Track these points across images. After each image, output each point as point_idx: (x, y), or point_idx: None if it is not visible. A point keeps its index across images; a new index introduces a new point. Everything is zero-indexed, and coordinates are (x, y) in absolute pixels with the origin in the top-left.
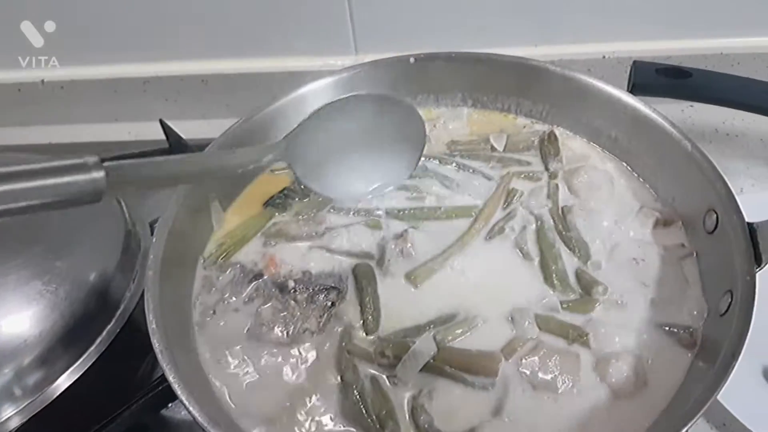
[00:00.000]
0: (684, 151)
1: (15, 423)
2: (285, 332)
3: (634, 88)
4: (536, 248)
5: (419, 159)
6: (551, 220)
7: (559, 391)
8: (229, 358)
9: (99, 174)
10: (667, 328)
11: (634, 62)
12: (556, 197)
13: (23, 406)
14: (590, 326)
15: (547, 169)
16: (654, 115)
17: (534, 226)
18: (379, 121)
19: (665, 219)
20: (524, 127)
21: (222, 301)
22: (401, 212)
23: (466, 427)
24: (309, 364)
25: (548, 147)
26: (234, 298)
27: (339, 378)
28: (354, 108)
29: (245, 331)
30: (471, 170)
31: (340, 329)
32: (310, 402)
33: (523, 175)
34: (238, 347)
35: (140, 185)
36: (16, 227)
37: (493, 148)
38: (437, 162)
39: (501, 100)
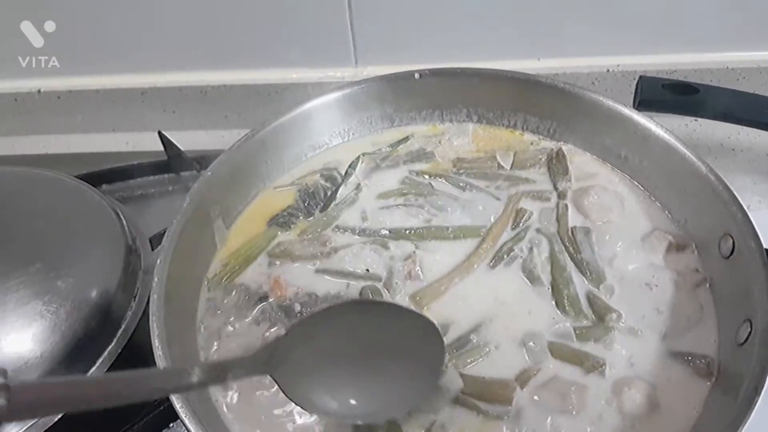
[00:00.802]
0: (698, 172)
1: None
2: None
3: (640, 104)
4: (546, 271)
5: (433, 389)
6: (560, 242)
7: (574, 417)
8: (234, 386)
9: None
10: (682, 357)
11: (641, 77)
12: (565, 218)
13: (24, 429)
14: (604, 354)
15: (555, 188)
16: (666, 135)
17: (544, 248)
18: (390, 334)
19: (678, 243)
20: (531, 143)
21: (227, 324)
22: (408, 231)
23: None
24: None
25: (556, 165)
26: (239, 323)
27: None
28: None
29: None
30: (478, 189)
31: None
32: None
33: (531, 195)
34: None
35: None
36: (14, 244)
37: (500, 166)
38: (443, 180)
39: (507, 116)
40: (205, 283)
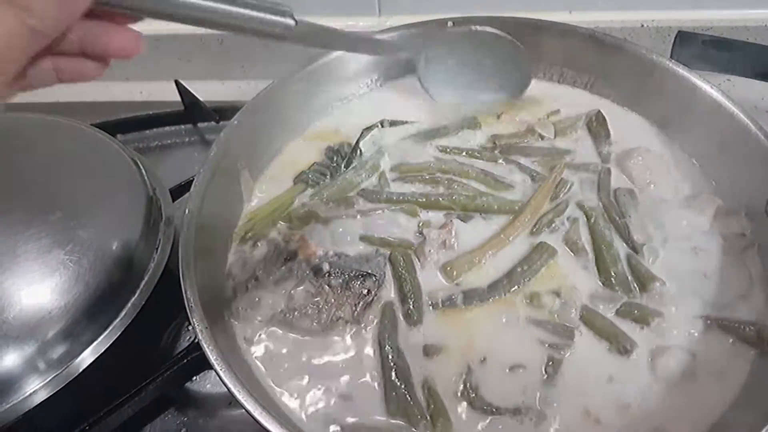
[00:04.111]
0: (746, 131)
1: (41, 397)
2: (317, 320)
3: (678, 60)
4: (588, 242)
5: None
6: (603, 209)
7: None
8: (261, 338)
9: (290, 21)
10: (728, 324)
11: (680, 32)
12: (608, 182)
13: (49, 379)
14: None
15: (599, 153)
16: (715, 92)
17: (586, 219)
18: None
19: (727, 208)
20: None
21: (253, 278)
22: (438, 199)
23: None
24: (346, 356)
25: (597, 129)
26: (266, 278)
27: (381, 371)
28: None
29: (277, 314)
30: (517, 165)
31: (376, 321)
32: (349, 392)
33: (573, 167)
34: (268, 329)
35: (319, 43)
36: (33, 192)
37: (541, 137)
38: (482, 160)
39: (543, 69)
40: (234, 235)
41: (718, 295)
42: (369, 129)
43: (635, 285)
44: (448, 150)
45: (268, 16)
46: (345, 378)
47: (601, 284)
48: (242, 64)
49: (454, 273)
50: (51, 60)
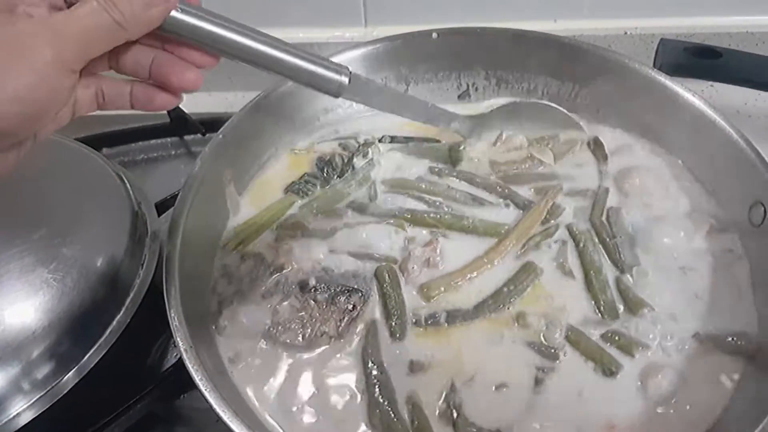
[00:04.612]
0: (727, 139)
1: (26, 418)
2: (301, 335)
3: (661, 68)
4: (576, 266)
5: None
6: (595, 235)
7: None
8: (244, 356)
9: (345, 79)
10: (716, 340)
11: (662, 40)
12: (604, 202)
13: (34, 400)
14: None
15: (599, 172)
16: (696, 100)
17: (575, 244)
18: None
19: (720, 226)
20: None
21: (239, 292)
22: (426, 216)
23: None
24: (329, 372)
25: (595, 151)
26: (251, 293)
27: (364, 387)
28: None
29: (262, 329)
30: (509, 191)
31: (360, 336)
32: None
33: (569, 192)
34: (253, 345)
35: (369, 103)
36: (15, 210)
37: (540, 162)
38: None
39: (527, 78)
40: (220, 249)
41: (708, 313)
42: (366, 145)
43: (624, 310)
44: (436, 170)
45: (326, 72)
46: (328, 394)
47: (589, 307)
48: (229, 76)
49: (431, 294)
50: (128, 84)
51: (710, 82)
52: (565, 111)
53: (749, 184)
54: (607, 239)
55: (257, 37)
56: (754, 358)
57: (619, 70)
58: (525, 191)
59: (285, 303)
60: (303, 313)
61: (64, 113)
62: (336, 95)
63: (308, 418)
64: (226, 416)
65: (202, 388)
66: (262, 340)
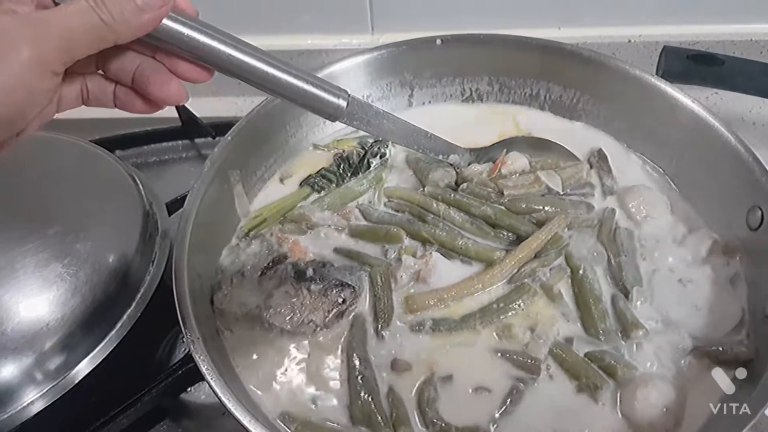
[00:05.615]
0: (726, 144)
1: (37, 407)
2: (290, 320)
3: (664, 75)
4: (568, 294)
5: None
6: (597, 258)
7: None
8: (242, 343)
9: (343, 102)
10: (715, 352)
11: (665, 47)
12: (611, 222)
13: (45, 390)
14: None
15: (602, 188)
16: (695, 106)
17: (571, 273)
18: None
19: (724, 242)
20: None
21: (240, 273)
22: (419, 228)
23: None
24: (313, 362)
25: (599, 166)
26: (252, 273)
27: (346, 378)
28: None
29: (252, 309)
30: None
31: (346, 330)
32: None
33: (574, 222)
34: (244, 324)
35: (366, 128)
36: (32, 207)
37: (549, 189)
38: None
39: (530, 84)
40: (234, 237)
41: (707, 328)
42: (377, 143)
43: (619, 333)
44: (438, 196)
45: (324, 95)
46: (312, 381)
47: (582, 329)
48: (239, 81)
49: (414, 307)
50: (112, 83)
51: (715, 90)
52: (562, 145)
53: (747, 188)
54: (612, 258)
55: (252, 53)
56: (743, 365)
57: (621, 77)
58: (527, 219)
59: (281, 288)
60: (295, 299)
61: (49, 110)
62: (333, 119)
63: (291, 403)
64: (230, 404)
65: (209, 379)
66: (251, 320)
